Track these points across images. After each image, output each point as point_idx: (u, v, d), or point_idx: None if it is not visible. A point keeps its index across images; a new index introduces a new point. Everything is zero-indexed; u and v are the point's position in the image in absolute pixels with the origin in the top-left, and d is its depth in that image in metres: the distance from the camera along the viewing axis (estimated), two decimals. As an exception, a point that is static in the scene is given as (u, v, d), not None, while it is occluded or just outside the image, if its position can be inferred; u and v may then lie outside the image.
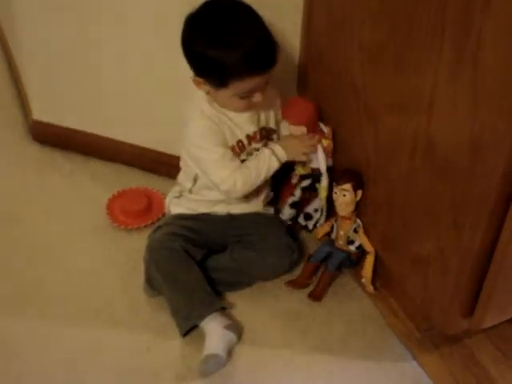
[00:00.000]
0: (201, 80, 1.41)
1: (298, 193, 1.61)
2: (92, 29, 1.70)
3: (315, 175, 1.58)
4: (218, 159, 1.45)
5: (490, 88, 1.01)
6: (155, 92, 1.71)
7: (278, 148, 1.50)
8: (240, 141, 1.49)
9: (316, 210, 1.63)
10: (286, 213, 1.63)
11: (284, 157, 1.50)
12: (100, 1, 1.64)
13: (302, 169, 1.59)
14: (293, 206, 1.63)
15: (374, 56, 1.32)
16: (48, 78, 1.86)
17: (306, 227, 1.67)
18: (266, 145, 1.55)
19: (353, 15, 1.36)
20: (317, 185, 1.57)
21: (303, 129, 1.51)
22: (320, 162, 1.53)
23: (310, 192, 1.61)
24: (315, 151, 1.53)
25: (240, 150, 1.50)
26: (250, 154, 1.52)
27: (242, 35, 1.34)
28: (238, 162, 1.48)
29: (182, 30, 1.39)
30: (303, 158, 1.53)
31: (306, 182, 1.60)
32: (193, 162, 1.50)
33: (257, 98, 1.42)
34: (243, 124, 1.49)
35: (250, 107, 1.46)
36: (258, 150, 1.52)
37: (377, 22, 1.28)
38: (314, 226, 1.65)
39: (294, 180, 1.63)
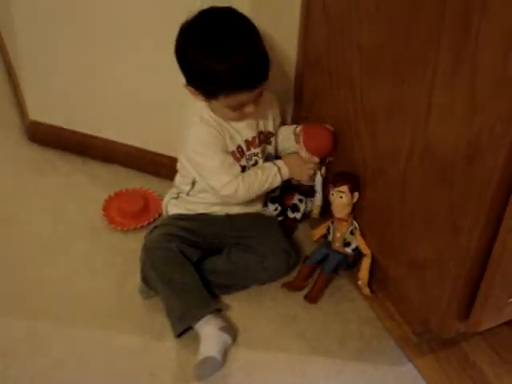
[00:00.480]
0: (191, 88, 1.41)
1: (277, 191, 1.63)
2: (89, 30, 1.70)
3: (300, 189, 1.63)
4: (218, 165, 1.45)
5: (487, 91, 1.01)
6: (153, 93, 1.70)
7: (283, 167, 1.52)
8: (239, 146, 1.50)
9: (301, 201, 1.65)
10: (271, 208, 1.65)
11: (287, 176, 1.53)
12: (99, 2, 1.64)
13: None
14: (273, 200, 1.64)
15: (371, 60, 1.32)
16: (45, 78, 1.85)
17: (295, 219, 1.67)
18: (264, 149, 1.55)
19: (351, 19, 1.35)
20: (309, 203, 1.64)
21: (316, 159, 1.53)
22: (317, 183, 1.57)
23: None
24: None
25: (240, 156, 1.50)
26: (248, 159, 1.52)
27: (233, 50, 1.33)
28: (237, 168, 1.48)
29: (177, 37, 1.39)
30: (305, 179, 1.57)
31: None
32: (191, 167, 1.50)
33: (249, 109, 1.42)
34: (242, 129, 1.49)
35: (242, 118, 1.46)
36: (256, 155, 1.53)
37: (375, 26, 1.28)
38: (303, 215, 1.67)
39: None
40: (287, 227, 1.67)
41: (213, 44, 1.34)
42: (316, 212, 1.60)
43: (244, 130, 1.50)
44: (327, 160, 1.56)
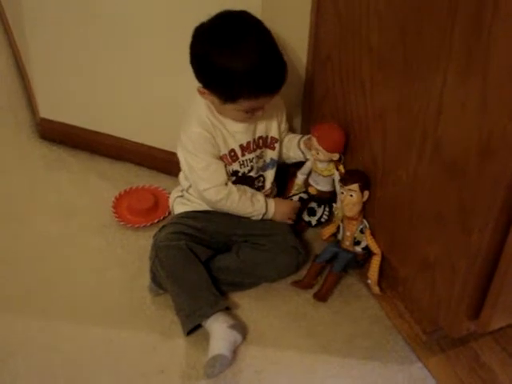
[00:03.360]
0: (207, 91, 1.42)
1: (295, 198, 1.64)
2: (100, 28, 1.70)
3: (314, 198, 1.62)
4: (201, 168, 1.48)
5: (499, 91, 1.01)
6: (163, 91, 1.71)
7: (271, 207, 1.55)
8: (232, 150, 1.50)
9: (319, 205, 1.63)
10: None
11: (269, 216, 1.56)
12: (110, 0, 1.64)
13: (297, 190, 1.66)
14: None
15: (382, 59, 1.31)
16: (55, 76, 1.86)
17: (308, 223, 1.67)
18: (261, 154, 1.56)
19: (361, 19, 1.35)
20: (334, 206, 1.62)
21: (336, 155, 1.52)
22: (337, 185, 1.55)
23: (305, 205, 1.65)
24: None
25: (232, 160, 1.51)
26: (243, 164, 1.53)
27: (258, 55, 1.34)
28: (222, 176, 1.49)
29: (193, 42, 1.39)
30: (284, 220, 1.60)
31: (305, 195, 1.64)
32: (182, 163, 1.52)
33: (260, 112, 1.44)
34: (237, 133, 1.50)
35: (250, 120, 1.48)
36: (252, 160, 1.53)
37: (385, 25, 1.28)
38: (318, 222, 1.66)
39: (294, 191, 1.67)
40: (298, 230, 1.67)
41: (236, 48, 1.35)
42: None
43: (239, 135, 1.50)
44: (342, 159, 1.55)
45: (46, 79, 1.90)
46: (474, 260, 1.17)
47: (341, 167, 1.54)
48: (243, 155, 1.52)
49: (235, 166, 1.52)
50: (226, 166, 1.51)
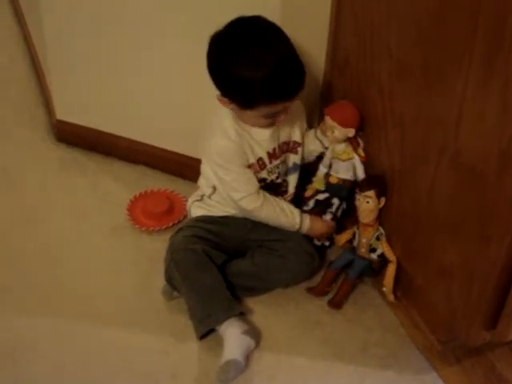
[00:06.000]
0: (226, 100, 1.42)
1: (311, 203, 1.61)
2: (118, 31, 1.70)
3: (334, 189, 1.58)
4: (232, 180, 1.48)
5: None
6: (179, 95, 1.71)
7: (307, 222, 1.54)
8: (260, 158, 1.50)
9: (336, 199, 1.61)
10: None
11: (304, 231, 1.55)
12: (130, 3, 1.65)
13: (318, 184, 1.61)
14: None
15: (402, 65, 1.31)
16: (72, 78, 1.86)
17: (322, 245, 1.64)
18: (285, 159, 1.56)
19: (381, 25, 1.34)
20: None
21: (352, 131, 1.50)
22: (358, 171, 1.53)
23: (323, 207, 1.61)
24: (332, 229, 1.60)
25: (260, 168, 1.51)
26: (270, 171, 1.53)
27: (274, 60, 1.33)
28: (254, 184, 1.50)
29: (209, 51, 1.39)
30: (318, 238, 1.61)
31: (322, 196, 1.60)
32: (212, 174, 1.52)
33: (281, 117, 1.44)
34: (264, 141, 1.50)
35: (273, 124, 1.47)
36: (278, 166, 1.54)
37: (405, 31, 1.27)
38: (331, 242, 1.65)
39: (309, 193, 1.63)
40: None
41: (252, 54, 1.34)
42: None
43: (266, 142, 1.50)
44: (360, 143, 1.52)
45: (62, 81, 1.91)
46: (491, 269, 1.15)
47: (360, 151, 1.52)
48: (271, 162, 1.52)
49: (263, 174, 1.52)
50: (254, 174, 1.50)
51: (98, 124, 1.91)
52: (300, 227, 1.54)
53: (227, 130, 1.46)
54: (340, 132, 1.50)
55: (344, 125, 1.49)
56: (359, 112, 1.49)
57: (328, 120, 1.51)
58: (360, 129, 1.51)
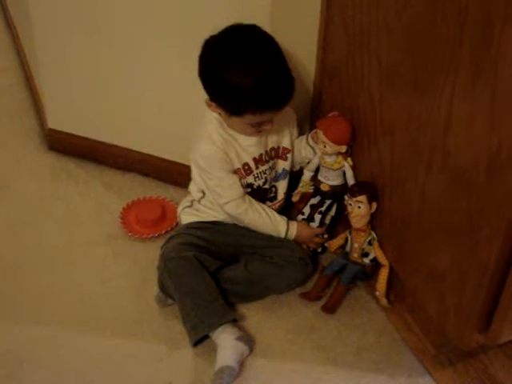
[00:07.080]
0: (214, 104, 1.42)
1: (306, 210, 1.61)
2: (109, 40, 1.71)
3: (325, 193, 1.59)
4: (215, 185, 1.49)
5: (507, 103, 1.01)
6: (170, 102, 1.71)
7: (293, 229, 1.56)
8: (246, 163, 1.51)
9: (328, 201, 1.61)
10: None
11: (292, 237, 1.56)
12: (120, 13, 1.65)
13: (305, 188, 1.63)
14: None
15: (391, 71, 1.31)
16: (64, 87, 1.87)
17: (315, 251, 1.65)
18: (273, 165, 1.56)
19: (370, 33, 1.35)
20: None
21: (344, 147, 1.50)
22: (349, 177, 1.53)
23: (319, 210, 1.61)
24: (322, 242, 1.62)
25: (246, 174, 1.52)
26: (257, 177, 1.53)
27: (264, 69, 1.35)
28: (238, 190, 1.50)
29: (202, 54, 1.40)
30: (308, 245, 1.61)
31: (314, 200, 1.60)
32: (193, 176, 1.54)
33: (268, 126, 1.44)
34: (250, 147, 1.50)
35: (259, 133, 1.48)
36: (265, 172, 1.54)
37: (394, 39, 1.28)
38: (323, 247, 1.65)
39: (296, 198, 1.65)
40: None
41: (244, 62, 1.35)
42: None
43: (252, 148, 1.50)
44: (349, 152, 1.52)
45: (54, 90, 1.91)
46: (483, 271, 1.16)
47: (349, 160, 1.52)
48: (257, 168, 1.53)
49: (250, 179, 1.53)
50: (240, 179, 1.51)
51: (90, 133, 1.92)
52: (286, 235, 1.55)
53: (212, 135, 1.46)
54: (332, 148, 1.50)
55: (337, 142, 1.50)
56: (352, 126, 1.49)
57: (320, 135, 1.51)
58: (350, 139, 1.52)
